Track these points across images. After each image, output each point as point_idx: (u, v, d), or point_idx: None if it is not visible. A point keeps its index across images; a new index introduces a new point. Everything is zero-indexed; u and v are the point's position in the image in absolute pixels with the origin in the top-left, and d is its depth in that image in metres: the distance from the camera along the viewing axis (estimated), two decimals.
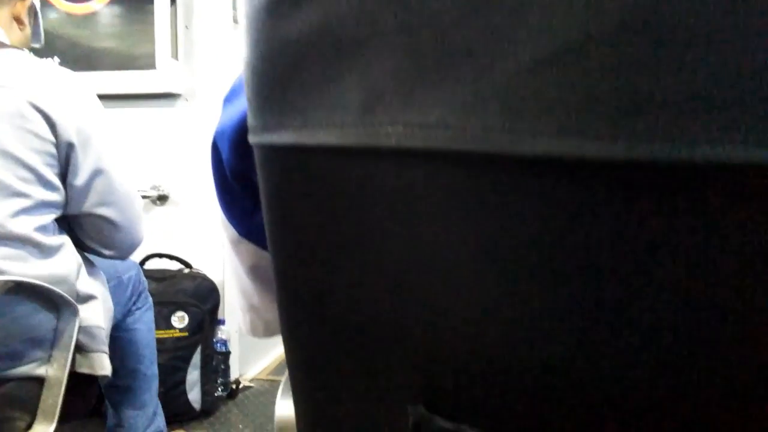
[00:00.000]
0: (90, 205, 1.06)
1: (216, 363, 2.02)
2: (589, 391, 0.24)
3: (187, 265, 2.07)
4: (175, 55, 2.03)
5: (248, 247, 0.44)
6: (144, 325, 1.43)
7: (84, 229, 1.10)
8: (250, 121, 0.30)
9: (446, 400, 0.27)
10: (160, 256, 2.05)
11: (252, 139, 0.30)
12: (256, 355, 2.35)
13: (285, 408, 0.54)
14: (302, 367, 0.36)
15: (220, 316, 2.06)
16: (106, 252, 1.13)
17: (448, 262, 0.25)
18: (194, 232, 2.09)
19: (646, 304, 0.22)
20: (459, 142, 0.23)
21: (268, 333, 0.51)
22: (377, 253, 0.26)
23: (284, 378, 0.52)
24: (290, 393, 0.39)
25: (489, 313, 0.25)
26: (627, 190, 0.21)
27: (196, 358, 1.92)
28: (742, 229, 0.20)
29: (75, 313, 1.01)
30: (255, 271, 0.46)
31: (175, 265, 2.07)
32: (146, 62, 2.01)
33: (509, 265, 0.24)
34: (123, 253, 1.16)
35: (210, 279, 2.02)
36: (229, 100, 0.39)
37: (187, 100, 2.09)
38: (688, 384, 0.23)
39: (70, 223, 1.10)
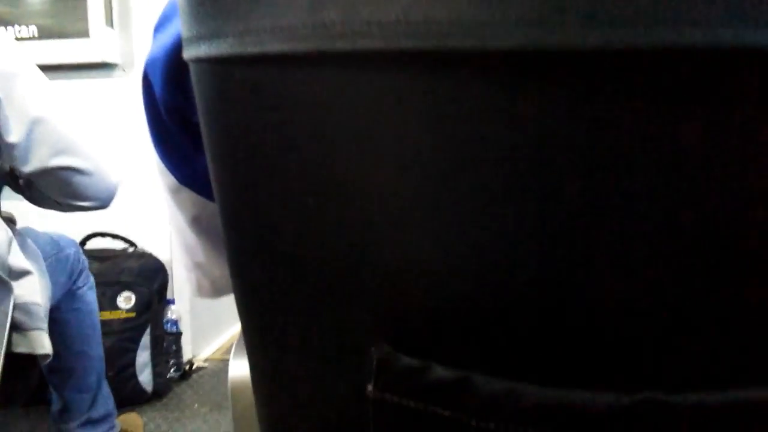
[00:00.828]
0: (42, 159, 0.96)
1: (167, 344, 1.96)
2: (563, 319, 0.23)
3: (132, 243, 1.99)
4: (109, 22, 1.92)
5: (189, 195, 0.41)
6: (86, 305, 1.36)
7: (50, 187, 1.00)
8: (185, 34, 0.26)
9: (411, 337, 0.25)
10: (103, 235, 1.97)
11: (186, 53, 0.26)
12: (209, 335, 2.30)
13: (238, 368, 0.51)
14: (255, 318, 0.33)
15: (169, 296, 2.00)
16: (86, 204, 1.04)
17: (411, 181, 0.22)
18: (138, 209, 2.01)
19: (636, 211, 0.20)
20: (424, 40, 0.20)
21: (215, 292, 0.48)
22: (333, 174, 0.24)
23: (237, 338, 0.50)
24: (243, 353, 0.37)
25: (459, 235, 0.22)
26: (619, 81, 0.19)
27: (146, 340, 1.86)
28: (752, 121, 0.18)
29: (9, 290, 0.94)
30: (198, 223, 0.43)
31: (118, 245, 1.98)
32: (79, 30, 1.89)
33: (480, 178, 0.21)
34: (104, 202, 1.07)
35: (157, 257, 1.94)
36: (159, 27, 0.35)
37: (124, 70, 1.98)
38: (669, 298, 0.21)
39: (36, 187, 1.01)
